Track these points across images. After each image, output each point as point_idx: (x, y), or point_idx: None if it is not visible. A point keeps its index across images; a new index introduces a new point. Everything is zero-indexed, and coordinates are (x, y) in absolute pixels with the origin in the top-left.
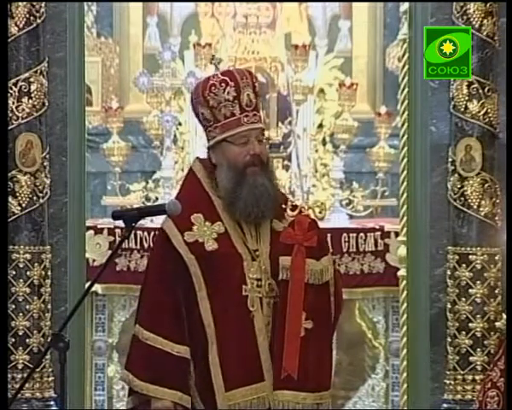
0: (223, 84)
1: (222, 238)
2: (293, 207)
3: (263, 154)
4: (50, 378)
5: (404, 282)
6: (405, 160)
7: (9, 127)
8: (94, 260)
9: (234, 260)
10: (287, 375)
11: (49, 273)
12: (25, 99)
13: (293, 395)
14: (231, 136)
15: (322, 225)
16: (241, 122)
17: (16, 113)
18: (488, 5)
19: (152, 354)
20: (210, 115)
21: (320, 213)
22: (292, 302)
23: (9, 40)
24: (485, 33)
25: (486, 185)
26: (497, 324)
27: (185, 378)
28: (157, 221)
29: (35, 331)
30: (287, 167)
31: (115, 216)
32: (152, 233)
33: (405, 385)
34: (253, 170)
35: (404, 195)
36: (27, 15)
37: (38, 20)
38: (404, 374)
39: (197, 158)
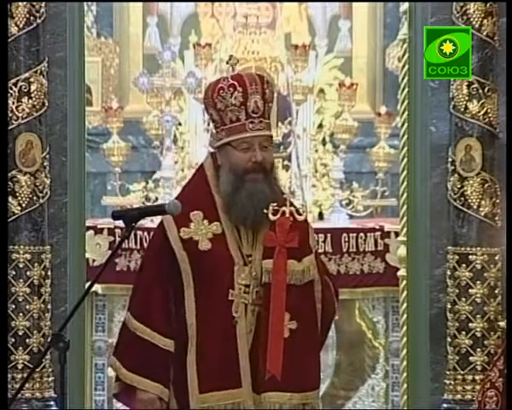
0: (231, 89)
1: (217, 239)
2: (275, 211)
3: (266, 161)
4: (50, 378)
5: (404, 282)
6: (405, 160)
7: (9, 127)
8: (94, 260)
9: (225, 263)
10: (271, 376)
11: (49, 273)
12: (25, 99)
13: (279, 395)
14: (234, 141)
15: (322, 225)
16: (246, 128)
17: (16, 113)
18: (488, 5)
19: (139, 345)
20: (217, 117)
21: (300, 214)
22: (274, 304)
23: (9, 40)
24: (485, 33)
25: (486, 185)
26: (501, 323)
27: (168, 372)
28: (157, 221)
29: (35, 331)
30: (287, 167)
31: (115, 216)
32: (152, 233)
33: (405, 385)
34: (253, 177)
35: (404, 195)
36: (27, 15)
37: (38, 20)
38: (404, 374)
39: (210, 153)
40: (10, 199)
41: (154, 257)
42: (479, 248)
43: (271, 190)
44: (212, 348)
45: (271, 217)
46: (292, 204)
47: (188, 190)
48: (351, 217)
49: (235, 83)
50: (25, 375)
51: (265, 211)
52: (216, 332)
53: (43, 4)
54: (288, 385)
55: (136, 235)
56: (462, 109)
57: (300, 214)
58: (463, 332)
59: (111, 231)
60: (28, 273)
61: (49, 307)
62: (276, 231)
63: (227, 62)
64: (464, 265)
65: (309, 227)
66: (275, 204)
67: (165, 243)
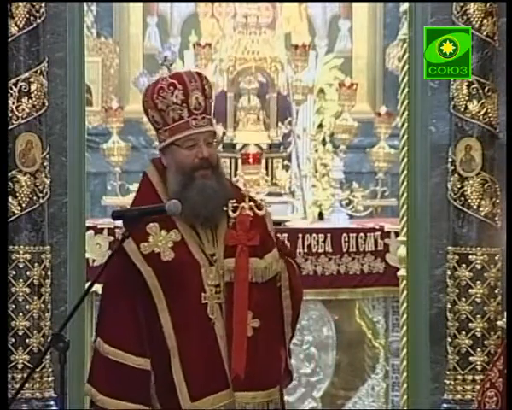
0: (171, 88)
1: (178, 246)
2: (234, 208)
3: (212, 157)
4: (50, 378)
5: (404, 282)
6: (405, 160)
7: (9, 127)
8: (94, 260)
9: (191, 268)
10: (235, 376)
11: (49, 273)
12: (25, 99)
13: (242, 395)
14: (179, 139)
15: (322, 225)
16: (190, 125)
17: (16, 113)
18: (488, 5)
19: (113, 369)
20: (159, 118)
21: (260, 209)
22: (237, 303)
23: (9, 40)
24: (485, 33)
25: (486, 185)
26: (499, 322)
27: (147, 391)
28: None
29: (35, 331)
30: (287, 167)
31: (115, 216)
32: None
33: (405, 385)
34: (201, 173)
35: (404, 195)
36: (27, 15)
37: (38, 20)
38: (404, 374)
39: (151, 160)
40: (10, 199)
41: (117, 279)
42: (479, 248)
43: (221, 185)
44: (196, 355)
45: (231, 214)
46: (251, 199)
47: (137, 202)
48: (351, 217)
49: (175, 81)
50: (25, 375)
51: (221, 207)
52: (196, 338)
53: (43, 4)
54: (251, 384)
55: None
56: (462, 109)
57: (260, 209)
58: (463, 332)
59: (111, 231)
60: (28, 273)
61: (49, 307)
62: (237, 230)
63: (162, 64)
64: (464, 265)
65: (267, 217)
66: (233, 201)
67: (126, 262)
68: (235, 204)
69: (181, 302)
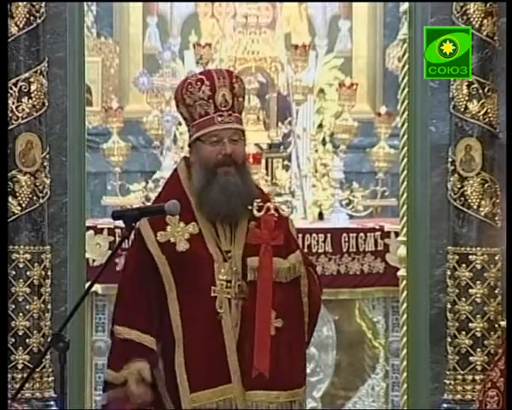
0: (198, 83)
1: (194, 239)
2: (260, 208)
3: (236, 154)
4: (50, 378)
5: (404, 282)
6: (405, 160)
7: (9, 127)
8: (94, 260)
9: (204, 262)
10: (258, 374)
11: (49, 273)
12: (25, 99)
13: (266, 394)
14: (204, 135)
15: (322, 225)
16: (214, 121)
17: (16, 113)
18: (488, 5)
19: (125, 347)
20: (187, 114)
21: (284, 210)
22: (260, 302)
23: (9, 40)
24: (485, 33)
25: (486, 185)
26: (502, 323)
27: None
28: None
29: (35, 331)
30: (287, 167)
31: (115, 216)
32: (130, 241)
33: (405, 385)
34: (224, 170)
35: (404, 195)
36: (27, 15)
37: (38, 20)
38: (404, 374)
39: (183, 157)
40: (10, 199)
41: (133, 265)
42: (479, 248)
43: (244, 183)
44: (200, 347)
45: (256, 213)
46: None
47: (163, 195)
48: (351, 217)
49: (203, 77)
50: (25, 375)
51: (243, 205)
52: (202, 330)
53: (43, 4)
54: (274, 384)
55: None
56: (462, 109)
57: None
58: (463, 332)
59: (111, 231)
60: (28, 273)
61: (49, 307)
62: (262, 228)
63: (197, 62)
64: (464, 265)
65: (289, 222)
66: (259, 200)
67: (143, 249)
68: (260, 203)
69: (190, 293)
